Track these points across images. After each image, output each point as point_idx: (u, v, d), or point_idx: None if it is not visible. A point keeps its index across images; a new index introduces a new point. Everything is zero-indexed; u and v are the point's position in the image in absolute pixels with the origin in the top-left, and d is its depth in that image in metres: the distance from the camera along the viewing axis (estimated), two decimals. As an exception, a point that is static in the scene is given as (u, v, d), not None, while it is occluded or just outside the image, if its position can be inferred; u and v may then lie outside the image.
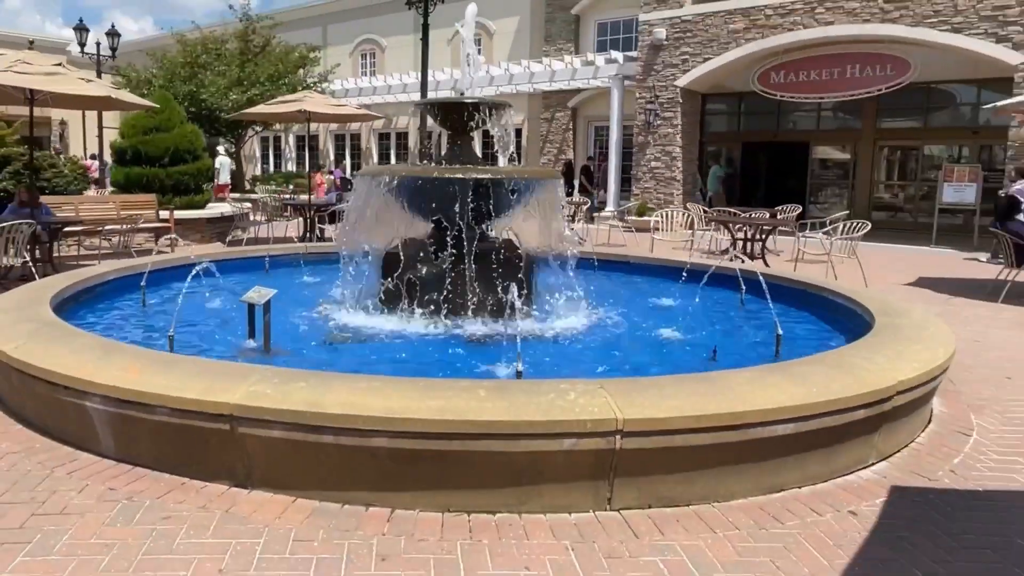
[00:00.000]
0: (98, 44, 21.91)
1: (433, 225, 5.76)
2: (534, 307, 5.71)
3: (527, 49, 23.49)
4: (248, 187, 25.56)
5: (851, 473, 3.35)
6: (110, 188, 13.84)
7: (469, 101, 5.67)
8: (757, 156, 21.94)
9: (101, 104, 8.66)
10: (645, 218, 16.99)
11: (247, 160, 27.75)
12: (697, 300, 6.64)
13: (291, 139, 30.83)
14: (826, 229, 9.78)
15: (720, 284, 7.21)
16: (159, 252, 9.78)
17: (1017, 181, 14.97)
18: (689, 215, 12.21)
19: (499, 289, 5.47)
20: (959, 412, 4.40)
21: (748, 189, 21.72)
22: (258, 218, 13.31)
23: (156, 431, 3.05)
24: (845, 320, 5.43)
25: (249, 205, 13.88)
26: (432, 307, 5.40)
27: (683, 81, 17.41)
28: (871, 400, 3.21)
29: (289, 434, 2.82)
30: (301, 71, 21.85)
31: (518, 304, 5.66)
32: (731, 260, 9.54)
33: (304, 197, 13.13)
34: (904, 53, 15.43)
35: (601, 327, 5.42)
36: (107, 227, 8.33)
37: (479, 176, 5.30)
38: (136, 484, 3.02)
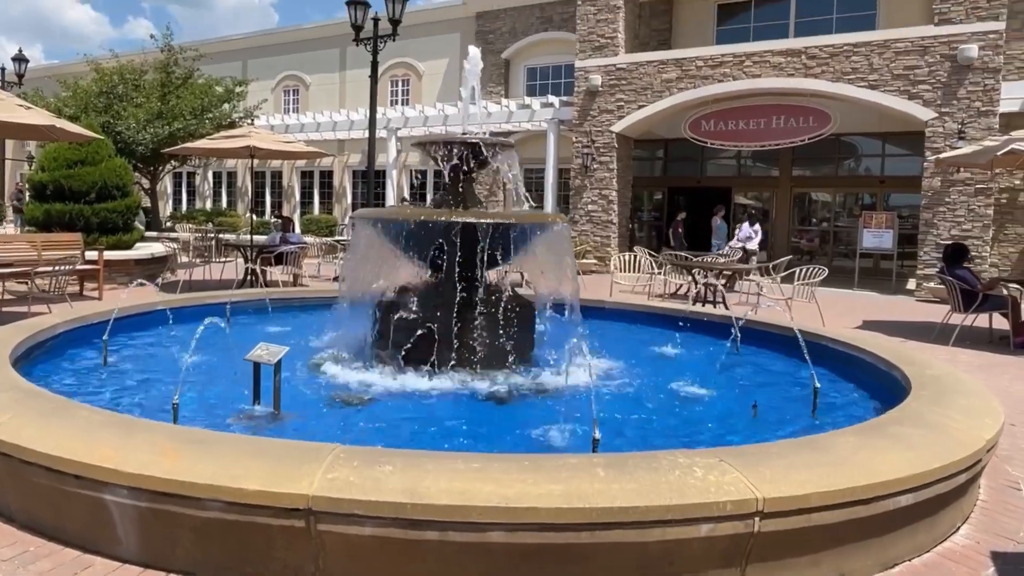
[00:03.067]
0: (3, 69, 20.21)
1: (437, 271, 5.39)
2: (546, 359, 5.41)
3: (455, 91, 23.49)
4: (164, 225, 24.13)
5: (947, 540, 3.21)
6: (26, 227, 12.49)
7: (475, 140, 5.37)
8: (681, 200, 22.66)
9: (40, 134, 7.74)
10: (585, 261, 17.08)
11: (160, 197, 26.22)
12: (693, 348, 6.53)
13: (209, 175, 29.43)
14: (783, 274, 10.01)
15: (702, 330, 7.17)
16: (84, 299, 8.80)
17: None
18: (641, 258, 12.27)
19: (508, 341, 5.15)
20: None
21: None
22: (188, 259, 12.38)
23: (202, 529, 2.53)
24: (852, 368, 5.42)
25: (177, 245, 12.89)
26: (438, 361, 5.00)
27: (618, 127, 17.77)
28: (971, 463, 3.10)
29: (382, 531, 2.38)
30: (227, 105, 20.89)
31: (530, 357, 5.37)
32: (715, 306, 9.53)
33: (245, 236, 12.34)
34: (825, 106, 16.36)
35: (616, 380, 5.17)
36: (39, 269, 7.37)
37: (490, 221, 5.00)
38: (179, 597, 2.48)
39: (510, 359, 5.16)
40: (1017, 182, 15.95)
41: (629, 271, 12.40)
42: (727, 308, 10.15)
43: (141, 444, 2.70)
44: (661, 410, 4.46)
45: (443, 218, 5.01)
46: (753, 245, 16.20)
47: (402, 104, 24.40)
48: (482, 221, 4.92)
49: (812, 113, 16.60)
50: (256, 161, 28.13)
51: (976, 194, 14.21)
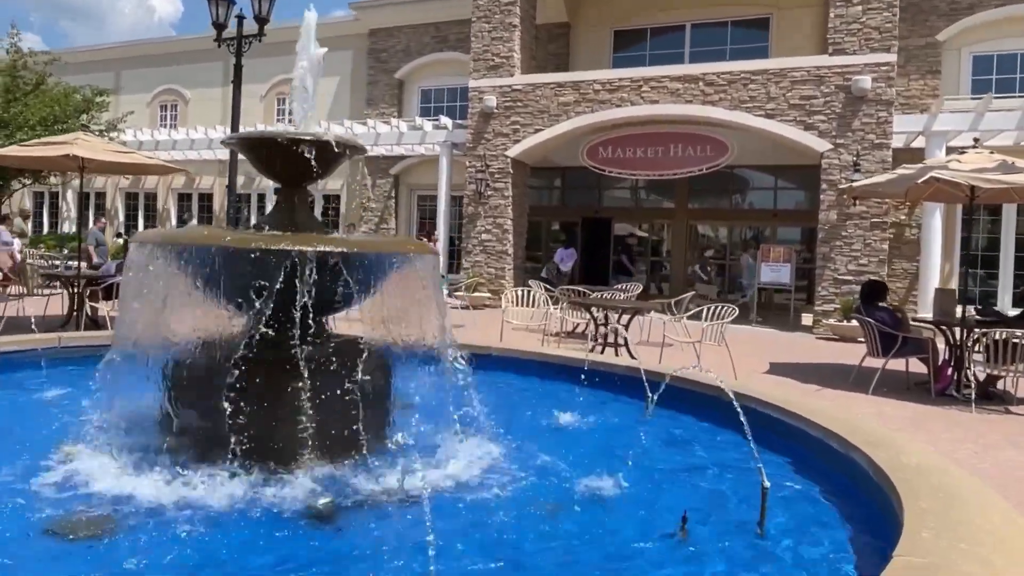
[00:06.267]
0: None
1: (250, 319, 3.89)
2: (408, 439, 4.01)
3: (347, 110, 21.99)
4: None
5: None
6: None
7: (308, 138, 3.95)
8: (578, 231, 21.92)
9: None
10: (478, 294, 15.84)
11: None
12: (596, 412, 5.30)
13: (69, 195, 26.32)
14: (691, 312, 9.08)
15: (606, 385, 5.98)
16: None
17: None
18: (536, 293, 11.12)
19: (352, 418, 3.71)
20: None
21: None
22: (14, 291, 10.33)
23: None
24: (791, 441, 4.33)
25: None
26: (244, 452, 3.49)
27: (514, 151, 16.74)
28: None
29: None
30: (84, 116, 18.54)
31: (384, 439, 3.96)
32: (616, 352, 8.46)
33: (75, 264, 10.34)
34: (722, 135, 15.98)
35: (499, 473, 3.81)
36: None
37: (324, 249, 3.56)
38: None
39: (354, 445, 3.72)
40: (903, 216, 16.06)
41: (523, 306, 11.24)
42: (631, 353, 9.09)
43: None
44: (556, 526, 3.14)
45: (255, 244, 3.53)
46: (566, 267, 16.70)
47: (288, 121, 22.60)
48: (311, 249, 3.49)
49: (710, 142, 16.19)
50: (126, 182, 25.43)
51: (872, 228, 14.03)
